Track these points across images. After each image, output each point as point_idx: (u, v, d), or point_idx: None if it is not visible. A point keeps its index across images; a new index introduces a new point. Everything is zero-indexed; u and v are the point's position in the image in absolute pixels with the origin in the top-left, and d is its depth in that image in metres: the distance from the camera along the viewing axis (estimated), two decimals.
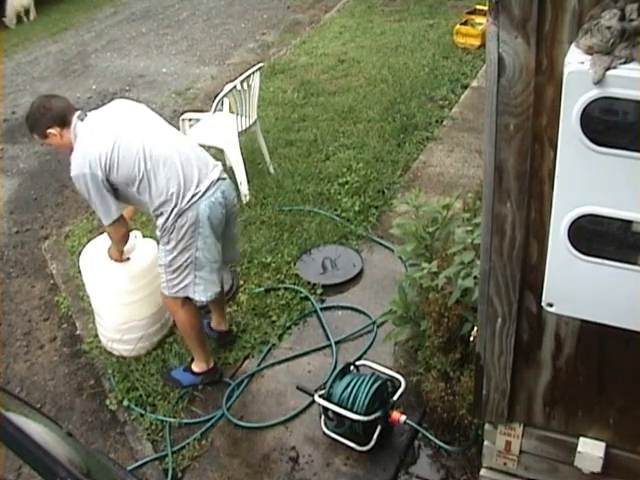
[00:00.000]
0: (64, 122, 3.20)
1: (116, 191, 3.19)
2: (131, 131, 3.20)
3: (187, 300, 3.42)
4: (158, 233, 3.29)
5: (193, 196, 3.17)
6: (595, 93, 1.56)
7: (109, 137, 3.13)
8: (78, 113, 3.22)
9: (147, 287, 3.72)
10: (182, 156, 3.21)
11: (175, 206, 3.15)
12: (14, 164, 6.17)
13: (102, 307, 3.79)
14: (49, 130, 3.21)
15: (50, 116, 3.20)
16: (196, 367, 3.62)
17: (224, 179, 3.33)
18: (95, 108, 3.40)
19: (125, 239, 3.46)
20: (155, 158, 3.14)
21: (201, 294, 3.36)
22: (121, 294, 3.67)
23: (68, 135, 3.21)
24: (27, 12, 10.26)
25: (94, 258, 3.71)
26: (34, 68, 8.28)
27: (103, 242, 3.72)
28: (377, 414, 3.11)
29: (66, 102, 3.30)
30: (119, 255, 3.60)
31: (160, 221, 3.22)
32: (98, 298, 3.78)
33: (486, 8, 1.76)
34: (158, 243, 3.37)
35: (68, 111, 3.22)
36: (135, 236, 3.72)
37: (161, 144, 3.21)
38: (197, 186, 3.18)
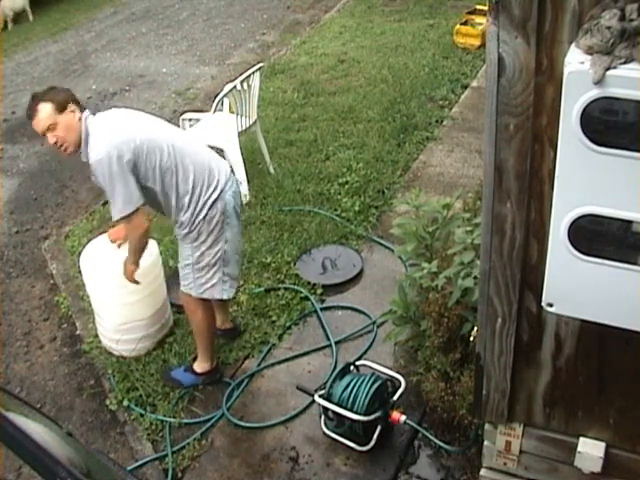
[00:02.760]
0: (79, 106, 3.11)
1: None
2: (151, 123, 3.24)
3: (202, 303, 3.44)
4: (183, 231, 3.23)
5: (216, 187, 3.19)
6: (595, 93, 1.56)
7: (135, 125, 3.13)
8: (87, 110, 3.15)
9: (147, 287, 3.71)
10: (203, 149, 3.29)
11: (200, 196, 3.15)
12: (14, 164, 6.17)
13: (102, 307, 3.79)
14: (70, 105, 3.06)
15: (70, 94, 3.11)
16: (198, 367, 3.62)
17: (232, 170, 3.40)
18: (95, 108, 3.39)
19: (146, 238, 3.26)
20: (179, 148, 3.15)
21: (228, 292, 3.40)
22: (121, 294, 3.66)
23: (79, 123, 3.07)
24: (20, 14, 10.24)
25: (94, 258, 3.71)
26: (34, 68, 8.28)
27: (103, 242, 3.72)
28: (377, 414, 3.11)
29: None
30: (135, 265, 3.35)
31: (186, 216, 3.18)
32: (98, 298, 3.78)
33: (486, 8, 1.76)
34: (180, 243, 3.33)
35: (79, 102, 3.15)
36: None
37: (181, 138, 3.27)
38: (219, 177, 3.22)
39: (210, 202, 3.17)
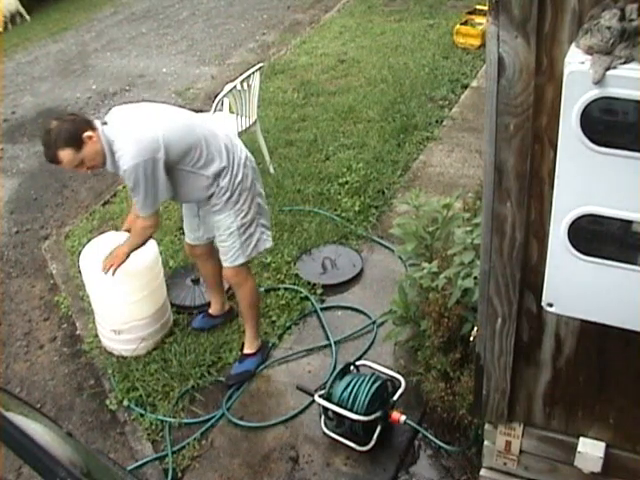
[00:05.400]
0: (90, 124, 3.05)
1: (169, 172, 3.13)
2: (163, 110, 3.33)
3: (249, 268, 3.61)
4: (223, 198, 3.26)
5: (241, 148, 3.36)
6: (595, 93, 1.56)
7: (155, 119, 3.16)
8: (97, 121, 3.10)
9: (147, 287, 3.72)
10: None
11: (234, 158, 3.27)
12: (14, 164, 6.17)
13: (102, 307, 3.79)
14: (84, 135, 3.00)
15: (77, 122, 3.04)
16: (251, 348, 3.70)
17: None
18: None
19: (151, 235, 3.39)
20: (199, 122, 3.33)
21: (268, 240, 3.53)
22: (121, 294, 3.67)
23: (99, 144, 3.04)
24: (15, 17, 10.21)
25: (94, 258, 3.70)
26: (34, 68, 8.27)
27: (103, 242, 3.72)
28: (377, 414, 3.11)
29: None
30: (127, 253, 3.38)
31: (225, 180, 3.24)
32: (98, 298, 3.78)
33: (486, 8, 1.76)
34: (218, 217, 3.35)
35: (88, 121, 3.10)
36: None
37: (193, 114, 3.47)
38: (237, 140, 3.41)
39: (242, 162, 3.30)
